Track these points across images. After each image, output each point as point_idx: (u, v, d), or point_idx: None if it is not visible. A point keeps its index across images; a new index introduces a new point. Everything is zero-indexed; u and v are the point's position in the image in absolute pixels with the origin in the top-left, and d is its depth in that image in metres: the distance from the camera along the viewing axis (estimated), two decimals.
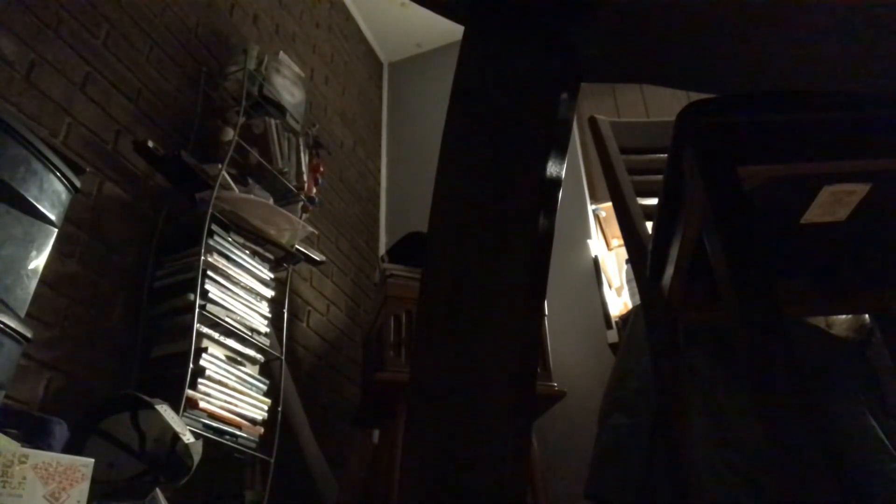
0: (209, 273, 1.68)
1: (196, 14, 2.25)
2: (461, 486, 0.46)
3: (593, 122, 1.34)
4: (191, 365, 1.51)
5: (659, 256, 0.99)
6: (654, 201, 1.24)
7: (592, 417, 1.57)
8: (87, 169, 1.53)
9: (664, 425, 1.08)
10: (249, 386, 1.72)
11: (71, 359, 1.47)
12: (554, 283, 2.07)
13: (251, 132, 2.09)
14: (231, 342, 1.72)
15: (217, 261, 1.72)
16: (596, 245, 2.87)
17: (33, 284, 1.16)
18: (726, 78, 0.69)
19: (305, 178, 2.24)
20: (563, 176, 0.55)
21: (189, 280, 1.64)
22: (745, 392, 1.22)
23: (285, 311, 2.11)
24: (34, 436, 1.06)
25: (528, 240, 0.51)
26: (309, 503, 2.04)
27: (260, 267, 1.91)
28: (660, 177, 0.92)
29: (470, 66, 0.57)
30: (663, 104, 3.35)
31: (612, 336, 2.48)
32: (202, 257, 1.65)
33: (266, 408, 1.76)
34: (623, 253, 2.85)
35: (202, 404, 1.51)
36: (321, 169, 2.42)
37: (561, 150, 0.54)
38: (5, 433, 0.96)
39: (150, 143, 1.75)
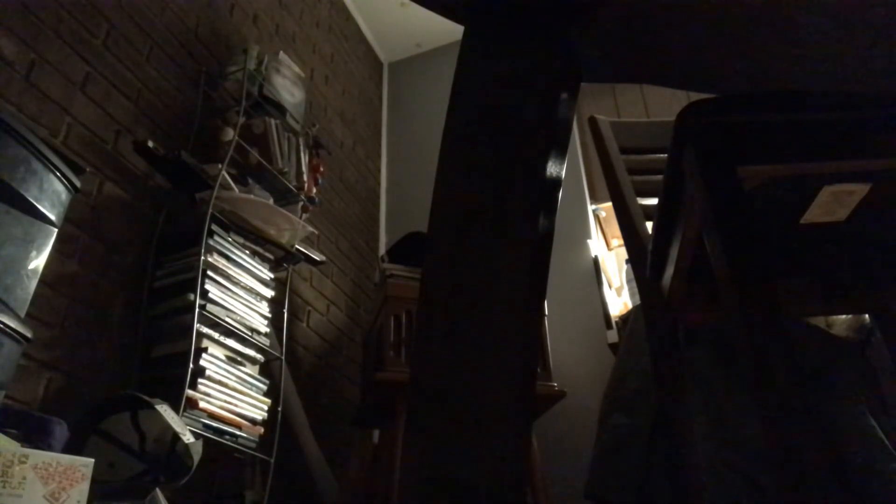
0: (209, 273, 1.68)
1: (196, 14, 2.25)
2: (461, 487, 0.46)
3: (593, 122, 1.34)
4: (191, 365, 1.51)
5: (659, 256, 0.99)
6: (654, 201, 1.24)
7: (592, 417, 1.57)
8: (87, 169, 1.53)
9: (664, 425, 1.08)
10: (249, 386, 1.72)
11: (71, 359, 1.47)
12: (554, 283, 2.07)
13: (251, 132, 2.09)
14: (231, 342, 1.72)
15: (217, 261, 1.72)
16: (596, 245, 2.87)
17: (33, 284, 1.16)
18: (726, 78, 0.69)
19: (305, 178, 2.24)
20: (563, 176, 0.55)
21: (189, 280, 1.64)
22: (745, 392, 1.22)
23: (285, 311, 2.11)
24: (34, 436, 1.06)
25: (528, 240, 0.51)
26: (309, 503, 2.04)
27: (260, 267, 1.91)
28: (660, 177, 0.92)
29: (470, 66, 0.57)
30: (663, 104, 3.35)
31: (612, 336, 2.48)
32: (202, 257, 1.65)
33: (266, 408, 1.76)
34: (623, 253, 2.85)
35: (202, 404, 1.51)
36: (321, 169, 2.42)
37: (561, 150, 0.54)
38: (5, 433, 0.96)
39: (150, 143, 1.75)
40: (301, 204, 2.19)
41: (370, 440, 2.28)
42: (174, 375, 1.51)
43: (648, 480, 1.32)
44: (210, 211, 1.73)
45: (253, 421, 1.70)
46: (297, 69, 2.44)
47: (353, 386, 2.69)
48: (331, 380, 2.57)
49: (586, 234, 2.91)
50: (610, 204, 1.57)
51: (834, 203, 0.77)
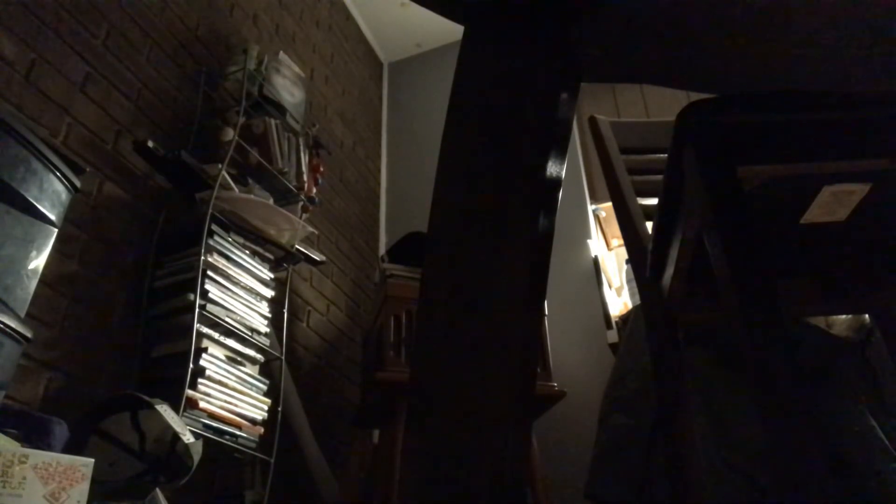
0: (209, 273, 1.68)
1: (196, 14, 2.25)
2: (461, 486, 0.46)
3: (593, 122, 1.34)
4: (191, 365, 1.51)
5: (659, 256, 0.99)
6: (654, 201, 1.24)
7: (592, 417, 1.57)
8: (87, 169, 1.53)
9: (664, 425, 1.08)
10: (249, 386, 1.72)
11: (71, 359, 1.47)
12: (554, 283, 2.07)
13: (251, 132, 2.09)
14: (231, 342, 1.72)
15: (217, 261, 1.72)
16: (596, 245, 2.87)
17: (33, 284, 1.16)
18: (726, 78, 0.69)
19: (305, 178, 2.24)
20: (563, 176, 0.55)
21: (189, 280, 1.64)
22: (746, 392, 1.22)
23: (285, 311, 2.11)
24: (34, 436, 1.06)
25: (528, 240, 0.51)
26: (309, 503, 2.04)
27: (260, 267, 1.90)
28: (660, 177, 0.92)
29: (470, 66, 0.57)
30: (663, 104, 3.35)
31: (612, 336, 2.48)
32: (202, 257, 1.65)
33: (266, 408, 1.76)
34: (623, 253, 2.85)
35: (202, 404, 1.51)
36: (321, 169, 2.42)
37: (561, 150, 0.54)
38: (5, 433, 0.96)
39: (150, 143, 1.75)
40: (301, 204, 2.19)
41: (370, 440, 2.28)
42: (174, 375, 1.51)
43: (648, 480, 1.32)
44: (210, 211, 1.73)
45: (253, 421, 1.70)
46: (297, 69, 2.44)
47: (353, 386, 2.69)
48: (331, 380, 2.57)
49: (586, 234, 2.91)
50: (610, 204, 1.57)
51: (834, 203, 0.77)
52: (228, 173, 1.89)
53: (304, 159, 2.27)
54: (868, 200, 0.76)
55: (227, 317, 1.70)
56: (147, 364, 1.62)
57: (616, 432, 1.41)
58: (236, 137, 1.94)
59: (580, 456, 1.70)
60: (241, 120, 1.99)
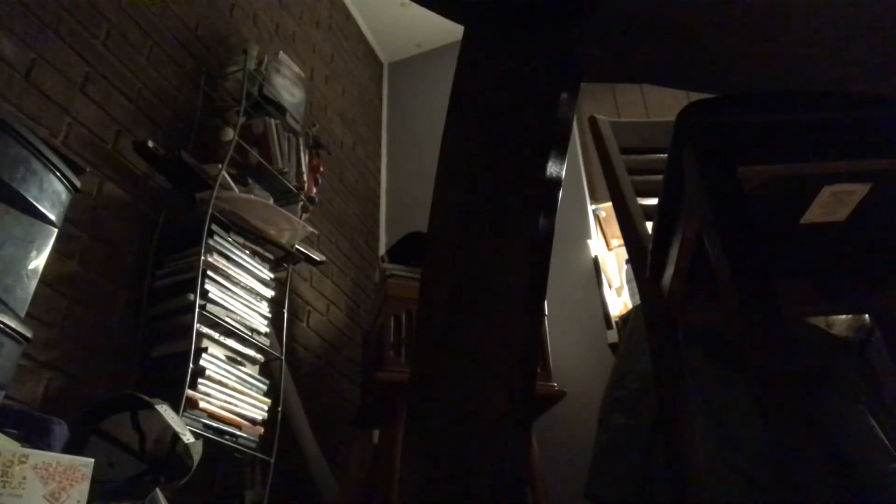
0: (209, 273, 1.68)
1: (196, 14, 2.25)
2: (461, 487, 0.46)
3: (593, 122, 1.34)
4: (191, 365, 1.51)
5: (659, 256, 0.99)
6: (654, 201, 1.24)
7: (592, 417, 1.57)
8: (87, 169, 1.53)
9: (664, 425, 1.08)
10: (249, 386, 1.72)
11: (71, 359, 1.47)
12: (554, 283, 2.07)
13: (251, 132, 2.09)
14: (231, 342, 1.72)
15: (217, 261, 1.72)
16: (596, 245, 2.86)
17: (33, 284, 1.16)
18: (726, 78, 0.69)
19: (305, 178, 2.24)
20: (563, 176, 0.55)
21: (189, 280, 1.64)
22: (746, 392, 1.22)
23: (285, 311, 2.11)
24: (34, 436, 1.06)
25: (528, 240, 0.51)
26: (309, 503, 2.04)
27: (260, 267, 1.90)
28: (660, 177, 0.92)
29: (470, 66, 0.57)
30: (663, 104, 3.35)
31: (612, 336, 2.48)
32: (202, 257, 1.65)
33: (266, 408, 1.76)
34: (623, 253, 2.85)
35: (202, 404, 1.51)
36: (321, 169, 2.42)
37: (561, 150, 0.54)
38: (5, 433, 0.96)
39: (150, 143, 1.75)
40: (301, 204, 2.19)
41: (370, 440, 2.28)
42: (174, 375, 1.51)
43: (648, 480, 1.32)
44: (210, 211, 1.73)
45: (253, 421, 1.70)
46: (297, 69, 2.44)
47: (353, 386, 2.69)
48: (331, 380, 2.57)
49: (586, 234, 2.91)
50: (610, 204, 1.57)
51: (834, 203, 0.77)
52: (228, 173, 1.89)
53: (304, 159, 2.27)
54: (868, 200, 0.76)
55: (227, 317, 1.70)
56: (147, 364, 1.62)
57: (616, 432, 1.41)
58: (236, 137, 1.94)
59: (580, 456, 1.70)
60: (241, 120, 1.99)
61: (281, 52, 2.52)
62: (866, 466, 1.13)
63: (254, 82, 2.15)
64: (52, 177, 1.22)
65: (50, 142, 1.43)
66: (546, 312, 2.08)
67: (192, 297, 1.59)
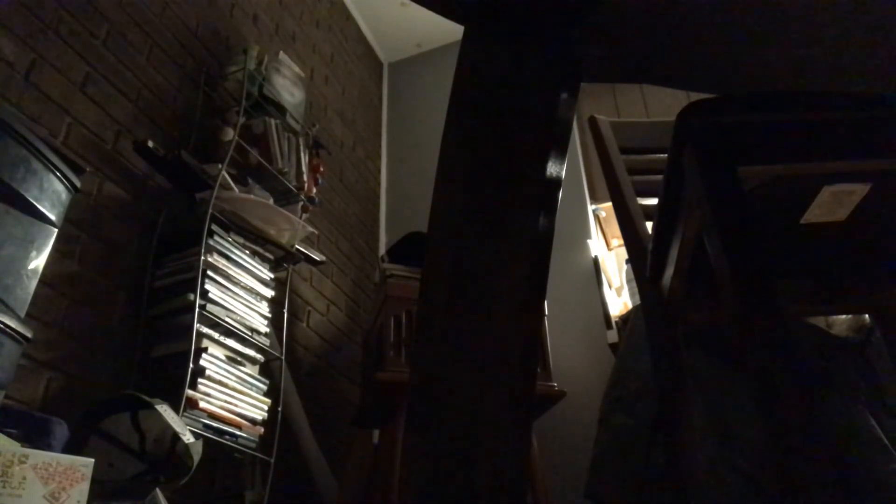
0: (209, 273, 1.68)
1: (196, 14, 2.25)
2: (461, 486, 0.46)
3: (593, 122, 1.34)
4: (191, 365, 1.51)
5: (659, 256, 0.99)
6: (654, 201, 1.24)
7: (592, 417, 1.56)
8: (87, 169, 1.53)
9: (664, 425, 1.08)
10: (249, 386, 1.72)
11: (71, 359, 1.47)
12: (554, 283, 2.07)
13: (251, 132, 2.09)
14: (231, 342, 1.72)
15: (217, 261, 1.72)
16: (596, 245, 2.86)
17: (33, 284, 1.16)
18: (726, 78, 0.69)
19: (305, 178, 2.24)
20: (563, 176, 0.55)
21: (189, 280, 1.64)
22: (746, 392, 1.22)
23: (285, 311, 2.11)
24: (34, 436, 1.06)
25: (528, 240, 0.51)
26: (309, 503, 2.04)
27: (260, 267, 1.90)
28: (660, 177, 0.92)
29: (470, 66, 0.57)
30: (663, 104, 3.35)
31: (612, 336, 2.48)
32: (202, 257, 1.65)
33: (266, 408, 1.76)
34: (623, 253, 2.85)
35: (202, 404, 1.51)
36: (321, 169, 2.42)
37: (561, 150, 0.54)
38: (5, 433, 0.96)
39: (150, 143, 1.75)
40: (301, 204, 2.19)
41: (370, 440, 2.28)
42: (174, 375, 1.51)
43: (648, 480, 1.32)
44: (210, 211, 1.73)
45: (253, 421, 1.70)
46: (297, 69, 2.44)
47: (353, 386, 2.69)
48: (331, 380, 2.57)
49: (586, 234, 2.91)
50: (610, 204, 1.57)
51: (834, 203, 0.77)
52: (228, 173, 1.89)
53: (304, 159, 2.27)
54: (868, 200, 0.76)
55: (227, 317, 1.70)
56: (147, 364, 1.62)
57: (616, 432, 1.41)
58: (236, 137, 1.94)
59: (580, 456, 1.70)
60: (241, 120, 1.99)
61: (281, 52, 2.52)
62: (866, 466, 1.13)
63: (254, 82, 2.15)
64: (52, 177, 1.22)
65: (50, 142, 1.43)
66: (546, 312, 2.08)
67: (192, 297, 1.59)
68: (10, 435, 0.97)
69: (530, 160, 0.52)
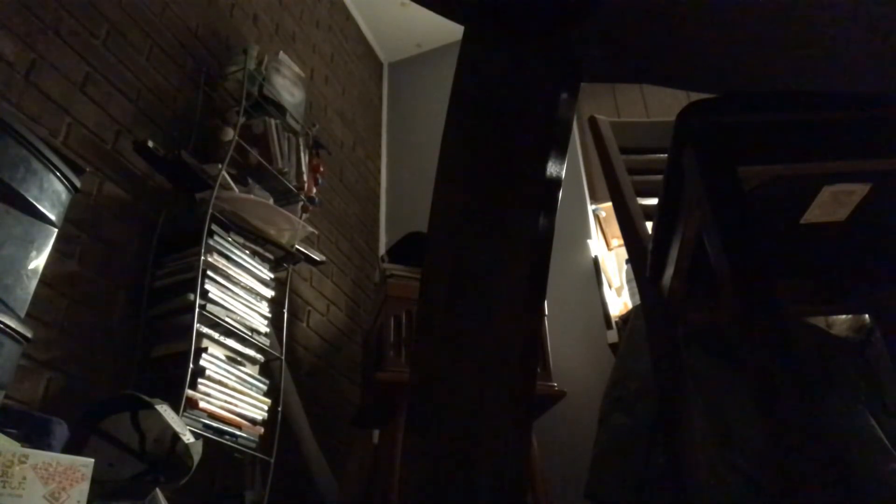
0: (209, 273, 1.68)
1: (196, 14, 2.25)
2: (461, 486, 0.46)
3: (593, 122, 1.34)
4: (191, 365, 1.51)
5: (659, 256, 0.99)
6: (654, 201, 1.24)
7: (592, 417, 1.56)
8: (87, 169, 1.53)
9: (664, 425, 1.08)
10: (249, 386, 1.72)
11: (71, 359, 1.47)
12: (554, 283, 2.07)
13: (251, 132, 2.09)
14: (231, 342, 1.72)
15: (217, 261, 1.72)
16: (596, 245, 2.86)
17: (33, 284, 1.16)
18: (727, 78, 0.69)
19: (305, 178, 2.24)
20: (563, 176, 0.55)
21: (189, 280, 1.64)
22: (746, 392, 1.22)
23: (285, 311, 2.11)
24: (34, 436, 1.06)
25: (528, 240, 0.51)
26: (309, 503, 2.04)
27: (260, 267, 1.90)
28: (660, 177, 0.92)
29: (470, 66, 0.57)
30: (663, 104, 3.35)
31: (612, 336, 2.48)
32: (202, 257, 1.65)
33: (266, 408, 1.76)
34: (623, 253, 2.85)
35: (202, 404, 1.51)
36: (321, 169, 2.42)
37: (561, 150, 0.54)
38: (5, 433, 0.96)
39: (150, 143, 1.75)
40: (301, 204, 2.19)
41: (370, 440, 2.28)
42: (174, 375, 1.51)
43: (648, 480, 1.32)
44: (210, 211, 1.73)
45: (253, 421, 1.70)
46: (297, 69, 2.44)
47: (353, 386, 2.69)
48: (331, 380, 2.57)
49: (586, 234, 2.91)
50: (610, 204, 1.57)
51: (834, 203, 0.77)
52: (228, 173, 1.89)
53: (304, 159, 2.27)
54: (868, 200, 0.76)
55: (227, 317, 1.70)
56: (147, 364, 1.62)
57: (616, 432, 1.41)
58: (236, 137, 1.94)
59: (580, 456, 1.70)
60: (241, 120, 1.99)
61: (281, 52, 2.52)
62: (866, 466, 1.13)
63: (254, 82, 2.15)
64: (52, 177, 1.22)
65: (50, 142, 1.43)
66: (546, 312, 2.08)
67: (192, 297, 1.59)
68: (10, 435, 0.97)
69: (530, 160, 0.52)
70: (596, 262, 2.78)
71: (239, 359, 1.74)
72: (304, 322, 2.50)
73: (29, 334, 1.11)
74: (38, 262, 1.17)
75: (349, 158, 3.25)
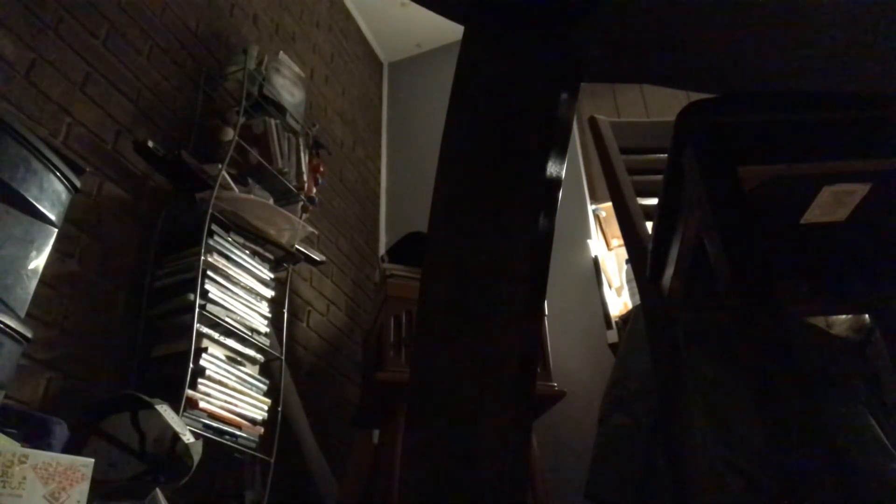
0: (209, 273, 1.68)
1: (196, 14, 2.25)
2: (461, 486, 0.46)
3: (593, 122, 1.34)
4: (191, 365, 1.51)
5: (659, 256, 0.99)
6: (654, 201, 1.24)
7: (592, 417, 1.57)
8: (87, 169, 1.53)
9: (664, 425, 1.08)
10: (249, 386, 1.72)
11: (71, 359, 1.47)
12: (554, 283, 2.07)
13: (251, 132, 2.09)
14: (231, 342, 1.72)
15: (217, 261, 1.72)
16: (596, 245, 2.86)
17: (33, 284, 1.16)
18: (727, 78, 0.69)
19: (305, 178, 2.24)
20: (563, 176, 0.55)
21: (189, 280, 1.64)
22: (746, 392, 1.22)
23: (285, 311, 2.11)
24: (34, 436, 1.06)
25: (528, 240, 0.51)
26: (309, 503, 2.04)
27: (260, 267, 1.90)
28: (660, 177, 0.92)
29: (470, 66, 0.57)
30: (663, 104, 3.35)
31: (612, 336, 2.48)
32: (202, 257, 1.65)
33: (266, 408, 1.76)
34: (623, 253, 2.85)
35: (202, 404, 1.51)
36: (321, 169, 2.42)
37: (561, 150, 0.54)
38: (5, 433, 0.96)
39: (150, 143, 1.75)
40: (301, 204, 2.19)
41: (370, 440, 2.28)
42: (174, 375, 1.51)
43: (648, 480, 1.32)
44: (210, 211, 1.73)
45: (253, 421, 1.70)
46: (297, 69, 2.44)
47: (353, 386, 2.69)
48: (331, 380, 2.57)
49: (586, 234, 2.91)
50: (610, 204, 1.57)
51: (834, 203, 0.77)
52: (228, 173, 1.89)
53: (304, 159, 2.27)
54: (868, 200, 0.76)
55: (227, 317, 1.70)
56: (147, 364, 1.62)
57: (616, 432, 1.41)
58: (236, 137, 1.94)
59: (580, 456, 1.70)
60: (241, 120, 1.99)
61: (281, 52, 2.52)
62: (866, 466, 1.13)
63: (254, 82, 2.15)
64: (52, 177, 1.22)
65: (50, 142, 1.43)
66: (546, 312, 2.08)
67: (192, 297, 1.59)
68: (10, 435, 0.97)
69: (530, 160, 0.52)
70: (596, 262, 2.78)
71: (239, 359, 1.74)
72: (304, 322, 2.50)
73: (29, 334, 1.11)
74: (38, 262, 1.17)
75: (349, 158, 3.25)
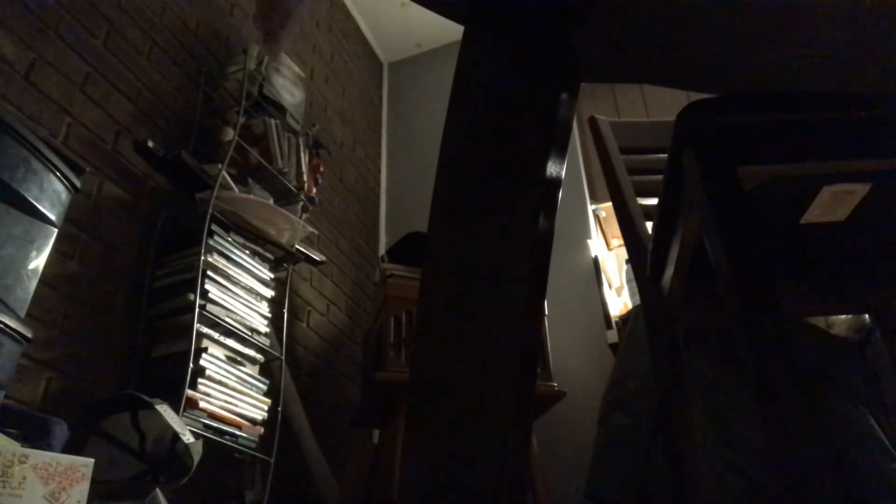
0: (209, 273, 1.68)
1: (196, 14, 2.25)
2: (461, 486, 0.46)
3: (593, 122, 1.34)
4: (191, 365, 1.51)
5: (659, 256, 0.99)
6: (654, 201, 1.24)
7: (592, 417, 1.57)
8: (87, 169, 1.53)
9: (664, 425, 1.08)
10: (249, 386, 1.72)
11: (71, 359, 1.47)
12: (554, 283, 2.07)
13: (251, 132, 2.09)
14: (231, 342, 1.72)
15: (217, 261, 1.72)
16: (596, 245, 2.86)
17: (33, 284, 1.16)
18: (727, 78, 0.69)
19: (305, 178, 2.24)
20: (563, 176, 0.55)
21: (189, 280, 1.64)
22: (746, 392, 1.22)
23: (285, 311, 2.11)
24: (34, 436, 1.06)
25: (528, 240, 0.51)
26: (309, 503, 2.04)
27: (260, 267, 1.90)
28: (660, 177, 0.92)
29: (470, 66, 0.57)
30: (663, 104, 3.35)
31: (612, 336, 2.48)
32: (202, 257, 1.65)
33: (266, 408, 1.76)
34: (623, 253, 2.85)
35: (202, 404, 1.51)
36: (321, 169, 2.42)
37: (561, 150, 0.54)
38: (5, 433, 0.96)
39: (150, 143, 1.75)
40: (301, 204, 2.19)
41: (370, 440, 2.28)
42: (174, 375, 1.51)
43: (648, 480, 1.32)
44: (210, 211, 1.73)
45: (253, 421, 1.70)
46: (297, 69, 2.44)
47: (353, 386, 2.69)
48: (331, 380, 2.57)
49: (586, 234, 2.91)
50: (610, 204, 1.57)
51: (834, 203, 0.77)
52: (228, 173, 1.89)
53: (304, 159, 2.27)
54: (868, 200, 0.76)
55: (227, 317, 1.70)
56: (147, 364, 1.62)
57: (616, 432, 1.41)
58: (236, 137, 1.94)
59: (580, 456, 1.70)
60: (241, 120, 1.99)
61: (281, 52, 2.52)
62: (866, 466, 1.13)
63: (254, 82, 2.15)
64: (52, 177, 1.22)
65: (50, 142, 1.43)
66: (546, 312, 2.08)
67: (192, 297, 1.60)
68: (10, 435, 0.97)
69: (530, 160, 0.52)
70: (596, 262, 2.78)
71: (239, 359, 1.74)
72: (304, 322, 2.50)
73: (29, 334, 1.11)
74: (38, 262, 1.17)
75: (349, 158, 3.25)
